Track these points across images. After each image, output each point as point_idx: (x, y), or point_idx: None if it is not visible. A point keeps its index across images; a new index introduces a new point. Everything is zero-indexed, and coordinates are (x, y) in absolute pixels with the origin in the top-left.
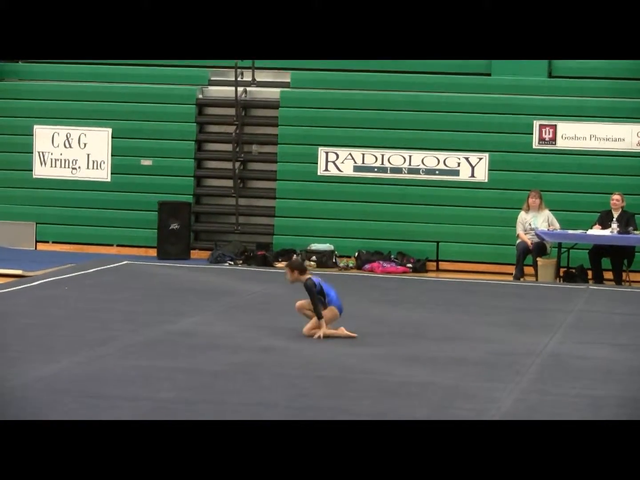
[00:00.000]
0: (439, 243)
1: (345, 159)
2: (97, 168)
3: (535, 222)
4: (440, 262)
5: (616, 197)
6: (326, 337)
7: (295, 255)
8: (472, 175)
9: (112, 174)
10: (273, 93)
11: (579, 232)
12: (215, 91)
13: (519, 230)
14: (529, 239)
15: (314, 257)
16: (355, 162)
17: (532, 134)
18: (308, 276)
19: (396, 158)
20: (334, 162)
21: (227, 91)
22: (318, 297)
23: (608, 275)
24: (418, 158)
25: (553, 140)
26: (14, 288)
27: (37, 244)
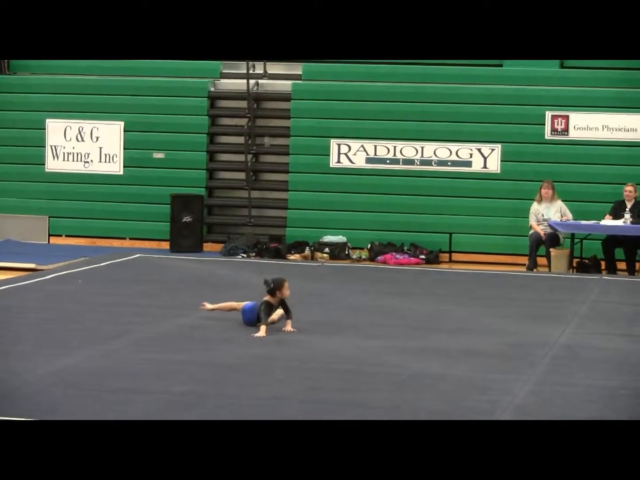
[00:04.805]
0: (452, 234)
1: (358, 150)
2: (109, 161)
3: (548, 212)
4: (453, 254)
5: (629, 187)
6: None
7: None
8: (485, 167)
9: (124, 167)
10: (285, 85)
11: (592, 222)
12: (227, 84)
13: (532, 221)
14: (541, 229)
15: (326, 249)
16: (367, 154)
17: (544, 124)
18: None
19: (408, 150)
20: (346, 154)
21: (239, 84)
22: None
23: (621, 265)
24: (430, 149)
25: (565, 130)
26: (27, 282)
27: (50, 237)
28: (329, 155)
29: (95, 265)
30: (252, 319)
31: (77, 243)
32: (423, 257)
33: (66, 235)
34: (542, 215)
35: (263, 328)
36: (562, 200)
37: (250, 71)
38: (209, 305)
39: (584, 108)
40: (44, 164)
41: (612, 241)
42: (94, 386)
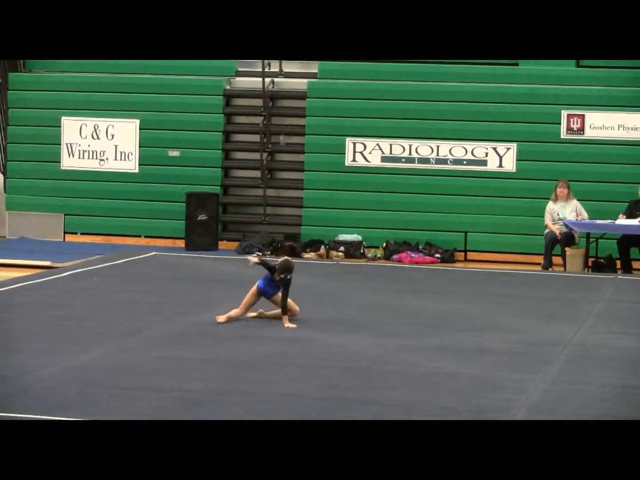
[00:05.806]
0: (467, 233)
1: (373, 149)
2: (124, 159)
3: (564, 212)
4: (468, 253)
5: None
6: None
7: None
8: (500, 166)
9: (139, 165)
10: (300, 84)
11: (607, 222)
12: (242, 82)
13: (547, 220)
14: (557, 229)
15: (341, 248)
16: (382, 153)
17: (560, 123)
18: None
19: (424, 148)
20: (361, 153)
21: (255, 82)
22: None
23: (637, 265)
24: (446, 148)
25: (581, 130)
26: (43, 279)
27: (66, 235)
28: (344, 153)
29: (111, 263)
30: (274, 288)
31: (92, 241)
32: (438, 256)
33: (81, 233)
34: (558, 214)
35: (286, 319)
36: (578, 200)
37: (266, 69)
38: (226, 316)
39: (599, 107)
40: (60, 162)
41: (627, 240)
42: (108, 383)
